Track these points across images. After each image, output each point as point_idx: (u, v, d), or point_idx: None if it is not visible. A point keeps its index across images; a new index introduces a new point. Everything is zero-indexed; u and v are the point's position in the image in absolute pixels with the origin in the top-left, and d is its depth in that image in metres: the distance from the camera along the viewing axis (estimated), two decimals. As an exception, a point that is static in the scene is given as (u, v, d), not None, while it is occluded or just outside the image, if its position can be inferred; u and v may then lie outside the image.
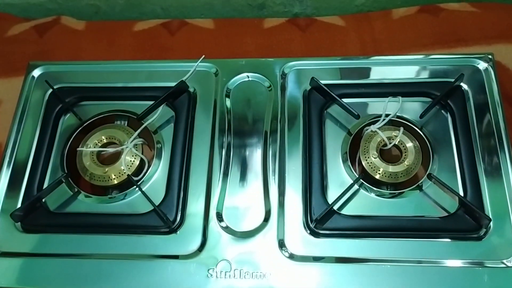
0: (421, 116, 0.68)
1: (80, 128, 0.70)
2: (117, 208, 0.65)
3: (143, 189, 0.64)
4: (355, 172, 0.65)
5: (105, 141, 0.68)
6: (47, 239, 0.63)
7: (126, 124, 0.71)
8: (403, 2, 0.87)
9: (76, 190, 0.66)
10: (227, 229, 0.62)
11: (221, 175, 0.66)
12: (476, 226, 0.60)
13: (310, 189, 0.63)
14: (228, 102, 0.71)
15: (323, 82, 0.69)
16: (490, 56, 0.71)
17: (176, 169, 0.65)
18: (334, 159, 0.66)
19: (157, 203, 0.63)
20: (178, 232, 0.62)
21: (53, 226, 0.64)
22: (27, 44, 0.85)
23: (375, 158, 0.64)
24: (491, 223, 0.60)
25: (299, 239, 0.61)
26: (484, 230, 0.60)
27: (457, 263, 0.58)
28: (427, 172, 0.64)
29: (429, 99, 0.69)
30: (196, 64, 0.71)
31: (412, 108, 0.69)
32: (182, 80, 0.70)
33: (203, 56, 0.71)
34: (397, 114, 0.67)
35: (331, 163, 0.66)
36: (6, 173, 0.67)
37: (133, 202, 0.65)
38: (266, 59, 0.74)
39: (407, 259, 0.59)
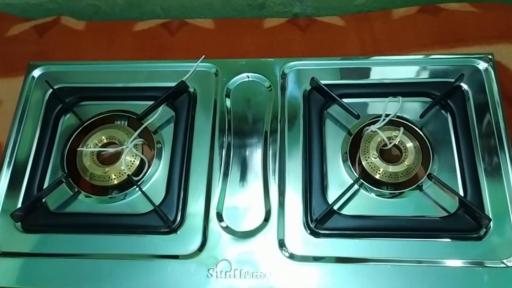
0: (421, 116, 0.68)
1: (80, 128, 0.70)
2: (117, 208, 0.65)
3: (143, 189, 0.64)
4: (355, 172, 0.65)
5: (105, 141, 0.68)
6: (47, 239, 0.63)
7: (126, 124, 0.71)
8: (403, 2, 0.87)
9: (76, 190, 0.66)
10: (227, 229, 0.62)
11: (221, 175, 0.66)
12: (476, 226, 0.60)
13: (310, 189, 0.63)
14: (228, 102, 0.71)
15: (323, 82, 0.69)
16: (490, 56, 0.71)
17: (176, 169, 0.65)
18: (334, 159, 0.66)
19: (157, 203, 0.63)
20: (178, 232, 0.62)
21: (53, 226, 0.64)
22: (27, 44, 0.85)
23: (375, 158, 0.64)
24: (491, 223, 0.60)
25: (299, 239, 0.61)
26: (484, 230, 0.60)
27: (457, 263, 0.58)
28: (427, 172, 0.64)
29: (429, 99, 0.69)
30: (196, 64, 0.71)
31: (412, 108, 0.69)
32: (182, 80, 0.70)
33: (203, 56, 0.71)
34: (397, 114, 0.67)
35: (331, 163, 0.66)
36: (6, 173, 0.67)
37: (133, 202, 0.65)
38: (266, 59, 0.74)
39: (407, 259, 0.59)
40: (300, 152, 0.66)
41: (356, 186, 0.64)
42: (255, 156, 0.67)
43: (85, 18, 0.90)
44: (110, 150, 0.69)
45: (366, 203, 0.63)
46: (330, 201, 0.62)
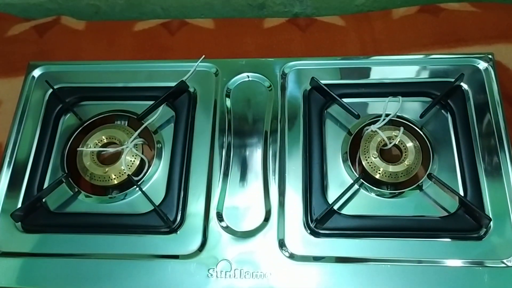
0: (421, 116, 0.68)
1: (80, 128, 0.70)
2: (117, 208, 0.65)
3: (143, 189, 0.64)
4: (355, 172, 0.65)
5: (105, 141, 0.68)
6: (47, 239, 0.63)
7: (126, 124, 0.71)
8: (403, 2, 0.88)
9: (76, 190, 0.66)
10: (227, 229, 0.62)
11: (221, 175, 0.66)
12: (476, 226, 0.60)
13: (310, 189, 0.63)
14: (228, 102, 0.71)
15: (323, 82, 0.69)
16: (490, 56, 0.71)
17: (176, 169, 0.65)
18: (334, 159, 0.66)
19: (157, 203, 0.63)
20: (178, 232, 0.62)
21: (53, 226, 0.64)
22: (27, 44, 0.85)
23: (375, 158, 0.64)
24: (491, 222, 0.60)
25: (299, 239, 0.61)
26: (484, 229, 0.60)
27: (457, 263, 0.58)
28: (427, 172, 0.64)
29: (429, 99, 0.69)
30: (196, 64, 0.71)
31: (412, 108, 0.69)
32: (182, 80, 0.70)
33: (203, 56, 0.71)
34: (397, 114, 0.67)
35: (331, 163, 0.66)
36: (6, 173, 0.67)
37: (133, 202, 0.65)
38: (266, 59, 0.74)
39: (407, 259, 0.59)
40: (300, 152, 0.66)
41: (356, 186, 0.64)
42: (255, 156, 0.67)
43: (85, 18, 0.90)
44: (110, 150, 0.69)
45: (366, 203, 0.63)
46: (330, 201, 0.62)
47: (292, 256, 0.60)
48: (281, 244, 0.61)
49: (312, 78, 0.69)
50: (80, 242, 0.62)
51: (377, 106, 0.69)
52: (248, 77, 0.73)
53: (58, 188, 0.66)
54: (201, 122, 0.69)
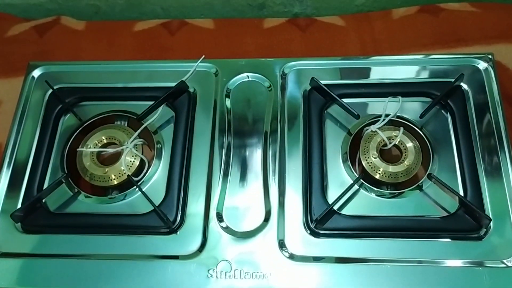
0: (421, 116, 0.68)
1: (80, 129, 0.70)
2: (117, 208, 0.65)
3: (143, 190, 0.64)
4: (355, 172, 0.65)
5: (105, 141, 0.68)
6: (47, 240, 0.63)
7: (126, 124, 0.71)
8: (403, 2, 0.87)
9: (76, 190, 0.66)
10: (227, 229, 0.62)
11: (221, 175, 0.66)
12: (476, 226, 0.60)
13: (310, 189, 0.63)
14: (228, 102, 0.71)
15: (323, 82, 0.69)
16: (490, 56, 0.71)
17: (176, 169, 0.65)
18: (334, 159, 0.66)
19: (157, 204, 0.63)
20: (178, 232, 0.62)
21: (53, 227, 0.64)
22: (27, 44, 0.85)
23: (375, 158, 0.64)
24: (491, 223, 0.60)
25: (299, 239, 0.61)
26: (484, 230, 0.60)
27: (457, 263, 0.58)
28: (427, 172, 0.64)
29: (429, 99, 0.69)
30: (196, 64, 0.71)
31: (412, 108, 0.69)
32: (182, 80, 0.70)
33: (203, 56, 0.71)
34: (397, 114, 0.67)
35: (331, 163, 0.66)
36: (6, 174, 0.67)
37: (133, 203, 0.65)
38: (266, 59, 0.74)
39: (407, 259, 0.59)
40: (300, 152, 0.66)
41: (356, 186, 0.64)
42: (255, 156, 0.67)
43: (85, 18, 0.90)
44: (110, 150, 0.69)
45: (366, 203, 0.63)
46: (330, 201, 0.62)
47: (292, 257, 0.60)
48: (281, 245, 0.61)
49: (312, 78, 0.69)
50: (80, 242, 0.62)
51: (377, 106, 0.69)
52: (248, 77, 0.73)
53: (58, 188, 0.66)
54: (201, 122, 0.69)
